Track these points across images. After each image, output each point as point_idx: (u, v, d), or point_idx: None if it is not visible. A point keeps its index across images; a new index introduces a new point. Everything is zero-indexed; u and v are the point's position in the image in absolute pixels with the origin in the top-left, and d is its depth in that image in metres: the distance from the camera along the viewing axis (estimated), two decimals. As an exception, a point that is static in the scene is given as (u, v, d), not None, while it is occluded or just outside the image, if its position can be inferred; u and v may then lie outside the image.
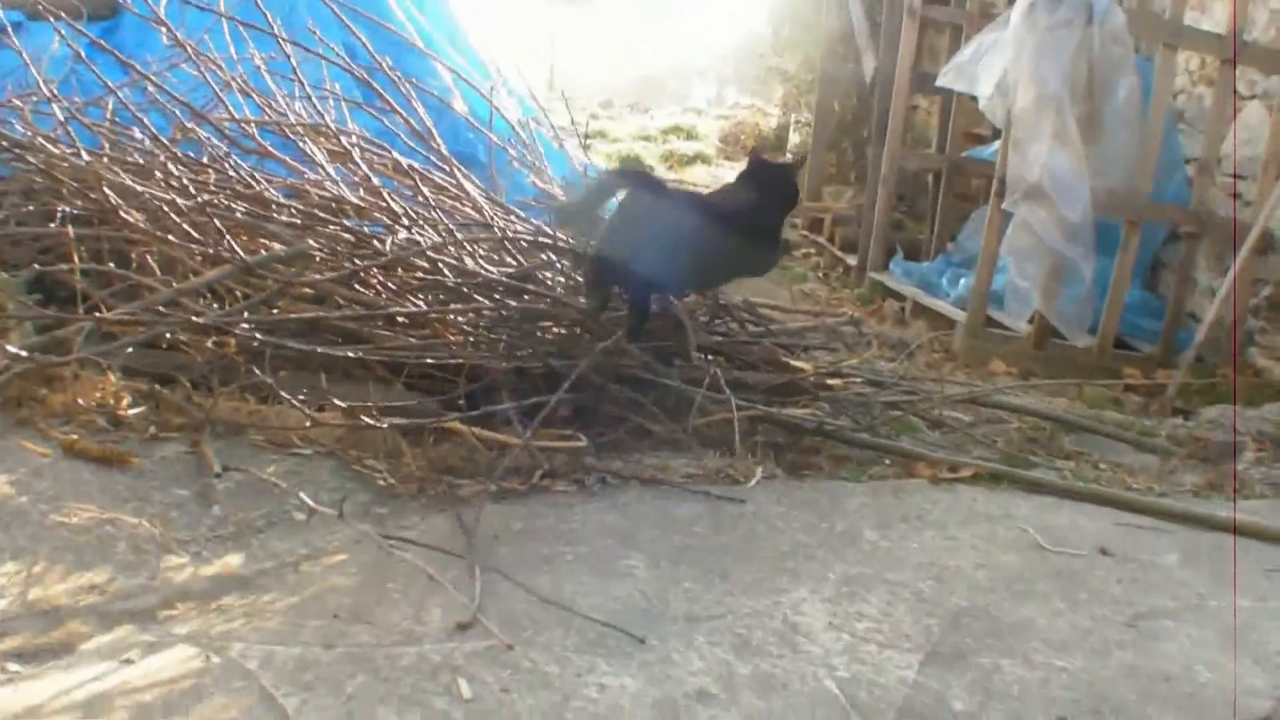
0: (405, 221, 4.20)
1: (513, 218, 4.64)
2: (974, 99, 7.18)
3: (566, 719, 2.30)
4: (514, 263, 4.23)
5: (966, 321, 6.20)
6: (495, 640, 2.56)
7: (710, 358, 4.04)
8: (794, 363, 4.16)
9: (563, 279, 4.21)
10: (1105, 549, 3.55)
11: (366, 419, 3.43)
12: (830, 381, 4.14)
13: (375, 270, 3.96)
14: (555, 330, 4.01)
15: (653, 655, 2.56)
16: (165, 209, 3.91)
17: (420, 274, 4.00)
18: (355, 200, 4.31)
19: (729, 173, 10.62)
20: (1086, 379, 5.94)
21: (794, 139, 11.40)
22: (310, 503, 3.12)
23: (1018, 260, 6.19)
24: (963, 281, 6.68)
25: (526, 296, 3.99)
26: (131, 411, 3.53)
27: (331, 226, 4.09)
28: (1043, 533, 3.57)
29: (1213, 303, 6.24)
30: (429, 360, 3.76)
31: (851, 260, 8.48)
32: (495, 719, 2.28)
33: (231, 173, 4.35)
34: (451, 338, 3.87)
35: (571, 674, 2.46)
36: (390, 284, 3.99)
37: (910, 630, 2.84)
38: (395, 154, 4.66)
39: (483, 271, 4.02)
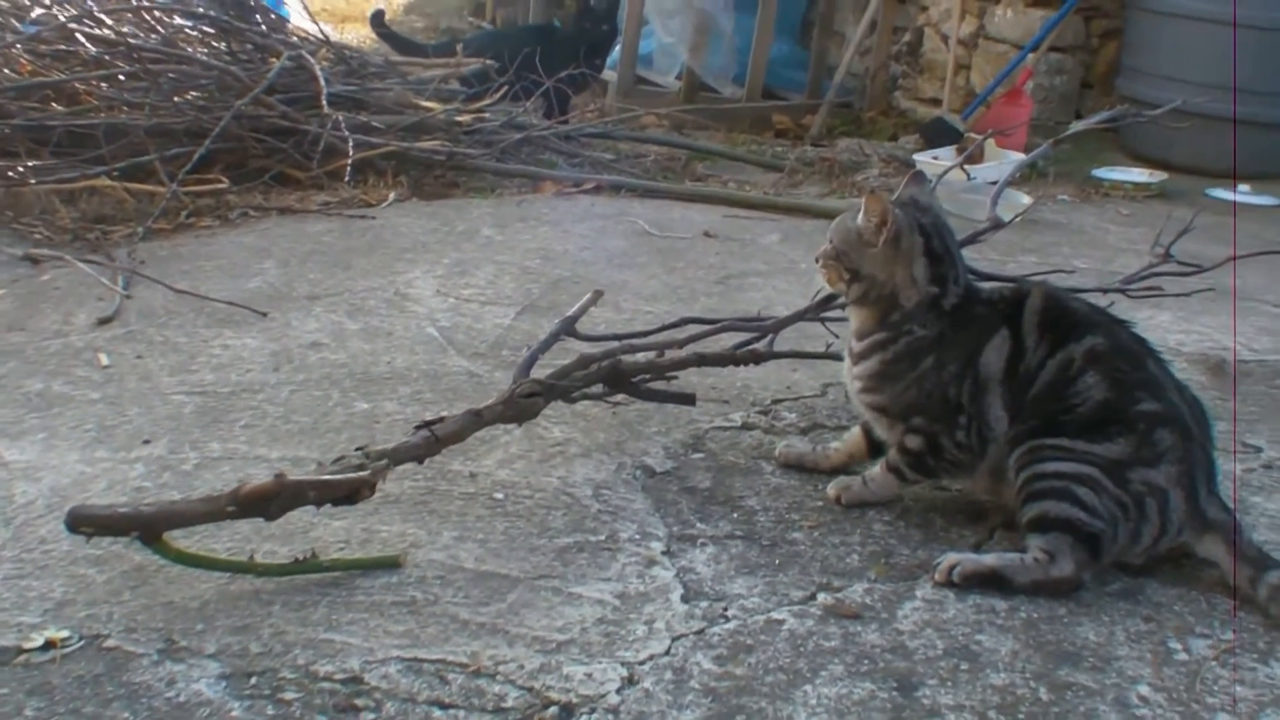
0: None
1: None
2: None
3: (192, 369, 2.68)
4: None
5: (617, 80, 6.57)
6: (134, 327, 2.91)
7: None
8: (423, 104, 4.50)
9: (205, 49, 4.46)
10: (710, 232, 4.05)
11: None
12: (460, 120, 4.49)
13: (18, 48, 4.14)
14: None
15: (274, 324, 2.96)
16: None
17: (61, 47, 4.20)
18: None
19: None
20: (735, 126, 6.43)
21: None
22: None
23: (662, 19, 6.60)
24: (618, 48, 7.06)
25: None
26: None
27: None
28: (653, 225, 4.05)
29: (846, 50, 6.82)
30: (76, 125, 3.98)
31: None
32: (130, 377, 2.64)
33: None
34: (95, 103, 4.09)
35: (199, 341, 2.84)
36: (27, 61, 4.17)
37: (512, 293, 3.30)
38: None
39: (125, 41, 4.23)
